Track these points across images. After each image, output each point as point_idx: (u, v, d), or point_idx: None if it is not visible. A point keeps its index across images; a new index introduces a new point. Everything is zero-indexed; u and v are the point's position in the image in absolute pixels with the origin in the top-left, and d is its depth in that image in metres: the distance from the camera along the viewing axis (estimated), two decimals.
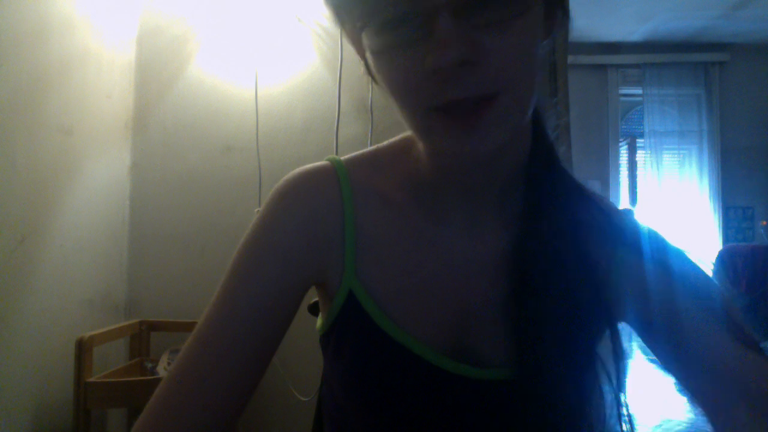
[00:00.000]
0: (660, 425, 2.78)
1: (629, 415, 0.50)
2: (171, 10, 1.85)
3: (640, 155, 5.08)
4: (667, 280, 0.50)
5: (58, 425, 1.44)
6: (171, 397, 0.46)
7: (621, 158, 5.07)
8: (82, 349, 1.36)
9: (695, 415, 2.87)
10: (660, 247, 0.52)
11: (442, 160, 0.50)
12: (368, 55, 0.43)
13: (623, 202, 5.03)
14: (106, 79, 1.69)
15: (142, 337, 1.69)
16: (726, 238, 4.80)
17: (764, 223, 4.75)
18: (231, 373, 0.47)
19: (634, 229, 0.53)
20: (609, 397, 0.49)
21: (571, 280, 0.47)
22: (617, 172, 5.02)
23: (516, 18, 0.38)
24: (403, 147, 0.54)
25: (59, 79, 1.46)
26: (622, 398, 0.49)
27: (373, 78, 0.47)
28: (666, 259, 0.51)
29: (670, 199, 4.93)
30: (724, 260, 3.93)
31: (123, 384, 1.40)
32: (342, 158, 0.54)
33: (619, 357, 0.49)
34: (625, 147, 5.10)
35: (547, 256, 0.48)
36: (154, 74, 1.85)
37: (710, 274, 0.53)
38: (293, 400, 1.73)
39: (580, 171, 2.71)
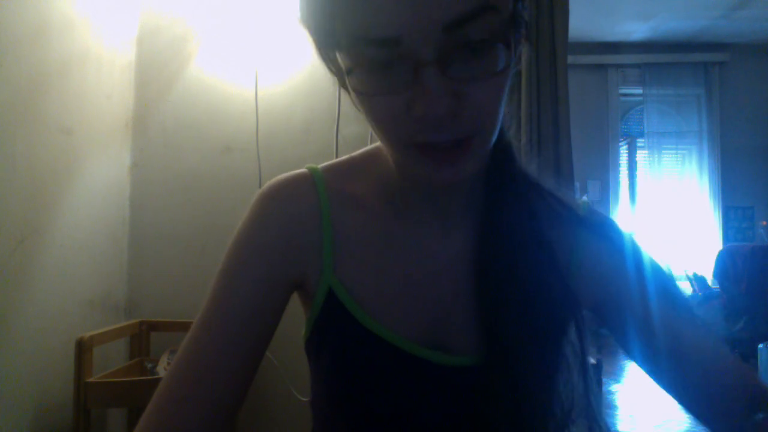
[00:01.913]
0: (661, 425, 2.78)
1: (597, 400, 0.54)
2: (171, 10, 1.85)
3: (640, 155, 5.08)
4: (627, 266, 0.55)
5: (58, 425, 1.44)
6: (171, 394, 0.49)
7: (621, 158, 5.07)
8: (82, 349, 1.36)
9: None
10: (619, 235, 0.57)
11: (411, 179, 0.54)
12: (350, 89, 0.45)
13: (623, 202, 5.03)
14: (106, 79, 1.69)
15: (142, 337, 1.69)
16: (726, 238, 4.80)
17: (764, 223, 4.75)
18: (227, 366, 0.50)
19: (593, 218, 0.57)
20: (577, 382, 0.54)
21: (532, 270, 0.51)
22: (617, 172, 5.02)
23: (502, 71, 0.41)
24: (375, 154, 0.59)
25: (59, 79, 1.46)
26: (589, 383, 0.54)
27: (345, 88, 0.49)
28: (625, 247, 0.56)
29: (670, 199, 4.93)
30: (724, 260, 3.92)
31: (123, 384, 1.40)
32: (319, 166, 0.58)
33: (584, 343, 0.53)
34: (625, 147, 5.10)
35: (508, 248, 0.51)
36: (154, 74, 1.85)
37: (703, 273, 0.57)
38: (293, 400, 1.73)
39: (580, 171, 2.71)
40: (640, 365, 0.56)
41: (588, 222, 0.56)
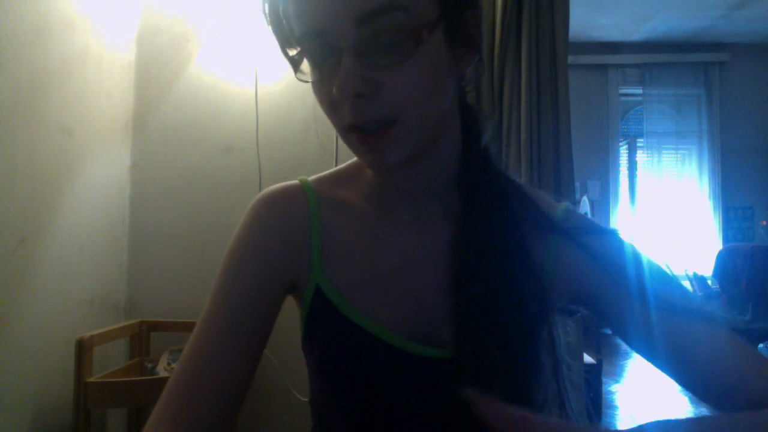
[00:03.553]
0: None
1: (568, 397, 0.56)
2: (171, 10, 1.85)
3: (640, 155, 5.08)
4: (606, 262, 0.56)
5: (58, 425, 1.44)
6: (182, 388, 0.52)
7: (621, 158, 5.08)
8: (82, 349, 1.36)
9: (696, 415, 2.87)
10: (598, 233, 0.58)
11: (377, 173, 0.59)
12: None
13: (623, 202, 5.03)
14: (106, 79, 1.69)
15: (142, 337, 1.69)
16: (726, 238, 4.80)
17: (764, 223, 4.75)
18: (232, 360, 0.53)
19: (570, 222, 0.59)
20: (550, 381, 0.55)
21: (505, 267, 0.53)
22: (617, 172, 5.03)
23: (405, 61, 0.46)
24: (359, 164, 0.63)
25: (59, 79, 1.46)
26: (562, 382, 0.55)
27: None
28: (606, 247, 0.57)
29: (670, 199, 4.93)
30: (724, 260, 3.92)
31: (123, 384, 1.40)
32: (309, 178, 0.64)
33: (555, 342, 0.55)
34: (625, 147, 5.11)
35: (482, 246, 0.54)
36: (154, 74, 1.85)
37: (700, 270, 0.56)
38: (293, 400, 1.73)
39: (580, 171, 2.70)
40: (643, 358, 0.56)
41: (563, 227, 0.58)
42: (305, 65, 0.53)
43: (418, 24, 0.46)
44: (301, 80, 0.52)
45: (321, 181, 0.63)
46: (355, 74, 0.46)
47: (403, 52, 0.46)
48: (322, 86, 0.50)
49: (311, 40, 0.48)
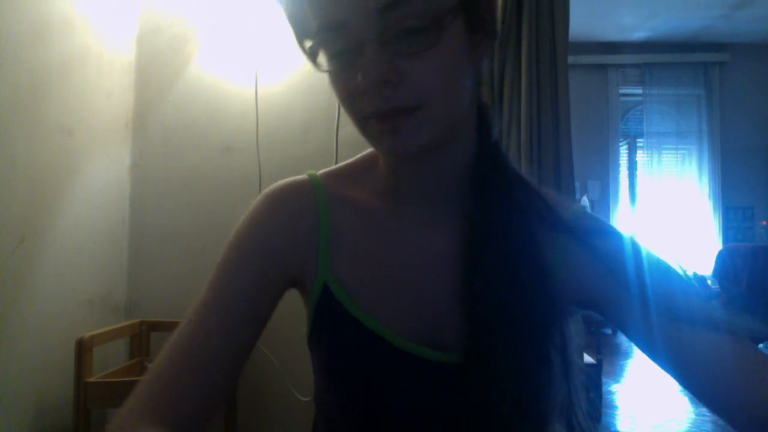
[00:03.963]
0: (661, 425, 2.78)
1: (579, 399, 0.55)
2: (171, 10, 1.85)
3: (640, 155, 5.08)
4: (615, 265, 0.54)
5: (58, 425, 1.44)
6: (166, 377, 0.50)
7: (621, 158, 5.08)
8: (82, 349, 1.36)
9: (696, 415, 2.87)
10: (609, 236, 0.57)
11: (392, 165, 0.58)
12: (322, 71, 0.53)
13: (623, 202, 5.03)
14: (106, 79, 1.69)
15: (142, 337, 1.69)
16: (726, 238, 4.80)
17: (764, 223, 4.76)
18: (220, 352, 0.52)
19: (580, 223, 0.58)
20: (560, 383, 0.54)
21: (514, 266, 0.52)
22: (617, 172, 5.03)
23: (430, 48, 0.46)
24: (370, 160, 0.63)
25: (59, 79, 1.46)
26: (573, 384, 0.55)
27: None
28: (613, 247, 0.56)
29: (670, 199, 4.93)
30: (724, 260, 3.92)
31: (123, 384, 1.40)
32: (318, 172, 0.62)
33: (567, 345, 0.54)
34: (625, 147, 5.11)
35: (491, 245, 0.53)
36: (154, 74, 1.85)
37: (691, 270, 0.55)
38: (293, 400, 1.73)
39: (580, 171, 2.71)
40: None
41: (573, 227, 0.56)
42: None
43: (441, 10, 0.46)
44: (320, 71, 0.51)
45: (330, 176, 0.62)
46: (381, 61, 0.46)
47: (427, 39, 0.46)
48: (340, 76, 0.49)
49: (331, 32, 0.48)
